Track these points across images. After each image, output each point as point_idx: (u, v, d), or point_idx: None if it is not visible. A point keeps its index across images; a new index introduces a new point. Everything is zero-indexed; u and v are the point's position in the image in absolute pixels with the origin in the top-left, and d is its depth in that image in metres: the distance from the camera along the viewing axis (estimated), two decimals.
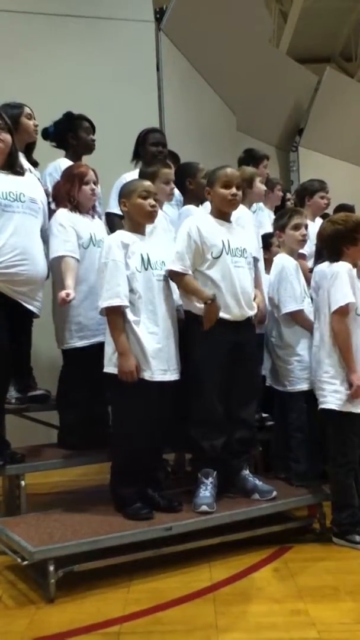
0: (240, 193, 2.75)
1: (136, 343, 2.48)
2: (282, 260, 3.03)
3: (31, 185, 2.81)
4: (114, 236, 2.62)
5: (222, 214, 2.77)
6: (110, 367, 2.52)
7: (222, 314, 2.62)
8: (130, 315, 2.49)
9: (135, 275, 2.51)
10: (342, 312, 2.65)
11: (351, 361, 2.65)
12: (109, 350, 2.53)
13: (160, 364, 2.51)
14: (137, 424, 2.49)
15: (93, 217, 2.98)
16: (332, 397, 2.65)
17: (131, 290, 2.50)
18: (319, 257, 2.90)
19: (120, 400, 2.55)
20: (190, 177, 3.15)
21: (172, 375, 2.57)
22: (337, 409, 2.63)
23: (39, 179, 3.20)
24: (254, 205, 3.54)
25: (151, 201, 2.61)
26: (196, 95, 5.35)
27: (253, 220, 3.24)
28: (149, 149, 3.38)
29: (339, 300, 2.64)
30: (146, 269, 2.54)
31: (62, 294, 2.65)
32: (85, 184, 2.89)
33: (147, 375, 2.47)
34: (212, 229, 2.69)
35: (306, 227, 3.08)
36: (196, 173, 3.19)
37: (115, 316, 2.48)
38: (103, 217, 3.25)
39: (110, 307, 2.47)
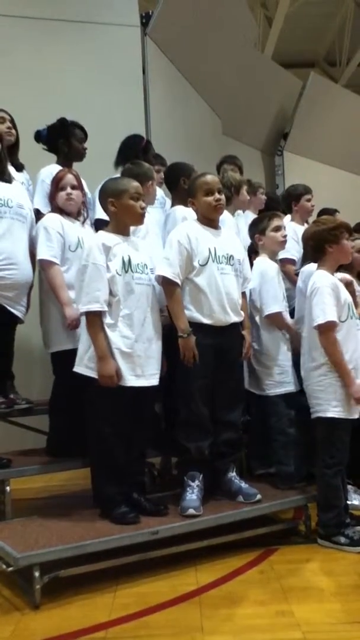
0: (223, 197, 2.77)
1: (108, 346, 2.46)
2: (263, 263, 3.05)
3: (19, 191, 2.81)
4: (96, 238, 2.58)
5: (209, 220, 2.78)
6: (80, 367, 2.50)
7: (206, 320, 2.64)
8: (106, 318, 2.47)
9: (115, 279, 2.48)
10: (326, 328, 2.63)
11: (346, 375, 2.62)
12: (81, 349, 2.52)
13: (132, 369, 2.48)
14: (108, 426, 2.48)
15: (83, 223, 2.96)
16: (329, 405, 2.65)
17: (110, 293, 2.48)
18: (305, 258, 2.93)
19: (91, 402, 2.52)
20: (185, 177, 3.13)
21: (147, 381, 2.53)
22: (337, 417, 2.64)
23: (24, 182, 3.19)
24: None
25: (142, 203, 2.60)
26: (182, 100, 5.37)
27: (235, 226, 3.25)
28: (152, 160, 3.36)
29: (318, 317, 2.63)
30: (126, 272, 2.51)
31: (71, 319, 2.66)
32: (60, 190, 2.88)
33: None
34: (200, 236, 2.70)
35: (285, 229, 3.12)
36: (192, 173, 3.17)
37: (94, 319, 2.47)
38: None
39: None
